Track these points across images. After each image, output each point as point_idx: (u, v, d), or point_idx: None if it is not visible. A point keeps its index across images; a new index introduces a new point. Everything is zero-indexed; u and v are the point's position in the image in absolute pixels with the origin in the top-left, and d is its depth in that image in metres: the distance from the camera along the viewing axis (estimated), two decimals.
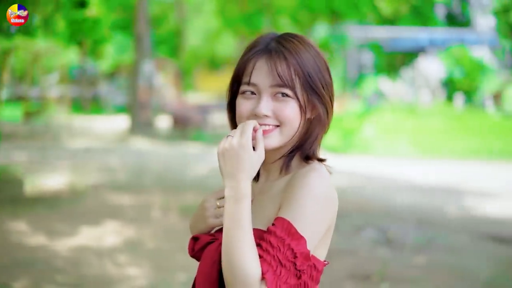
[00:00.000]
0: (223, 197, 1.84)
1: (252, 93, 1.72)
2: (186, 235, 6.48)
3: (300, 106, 1.70)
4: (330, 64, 1.79)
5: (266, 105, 1.68)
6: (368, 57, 36.34)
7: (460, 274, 6.08)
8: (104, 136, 17.67)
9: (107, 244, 6.64)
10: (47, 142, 15.94)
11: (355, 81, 30.93)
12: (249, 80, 1.69)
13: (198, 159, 13.77)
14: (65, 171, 11.48)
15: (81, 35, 22.49)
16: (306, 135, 1.76)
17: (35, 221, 7.55)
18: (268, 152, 1.73)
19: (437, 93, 27.16)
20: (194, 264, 5.88)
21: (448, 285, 5.78)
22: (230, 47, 34.61)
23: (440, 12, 44.58)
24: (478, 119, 22.38)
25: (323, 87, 1.72)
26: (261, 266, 1.58)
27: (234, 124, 1.84)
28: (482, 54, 29.26)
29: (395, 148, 16.10)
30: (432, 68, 27.50)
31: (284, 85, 1.67)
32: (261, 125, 1.69)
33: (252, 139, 1.66)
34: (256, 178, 1.85)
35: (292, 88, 1.67)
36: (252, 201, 1.75)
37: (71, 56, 26.26)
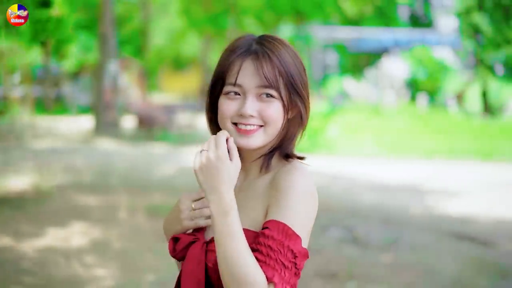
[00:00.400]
0: (198, 199, 1.86)
1: (236, 93, 1.74)
2: (153, 236, 6.48)
3: (284, 106, 1.74)
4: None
5: (251, 106, 1.71)
6: (332, 58, 36.58)
7: (426, 272, 6.19)
8: (68, 136, 17.52)
9: (74, 245, 6.61)
10: (10, 143, 15.75)
11: (320, 81, 31.08)
12: (235, 81, 1.71)
13: (164, 159, 13.74)
14: (30, 172, 11.36)
15: (44, 34, 22.26)
16: (286, 134, 1.80)
17: (0, 223, 7.48)
18: (248, 151, 1.77)
19: (401, 94, 27.46)
20: (162, 264, 5.86)
21: (414, 282, 5.87)
22: (195, 47, 34.56)
23: (403, 13, 45.06)
24: (441, 119, 22.69)
25: (302, 87, 1.76)
26: (265, 271, 1.61)
27: (214, 125, 1.85)
28: (445, 54, 29.65)
29: (360, 148, 16.25)
30: (396, 68, 27.78)
31: (269, 86, 1.70)
32: (246, 125, 1.71)
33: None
34: None
35: (277, 89, 1.70)
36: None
37: (34, 56, 25.97)
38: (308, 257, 1.68)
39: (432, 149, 16.34)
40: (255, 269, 1.60)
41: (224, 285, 1.64)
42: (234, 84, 1.72)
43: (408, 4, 42.67)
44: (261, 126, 1.74)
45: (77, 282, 5.41)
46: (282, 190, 1.70)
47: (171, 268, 5.91)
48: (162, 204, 8.86)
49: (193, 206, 1.88)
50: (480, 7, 28.07)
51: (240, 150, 1.79)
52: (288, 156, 1.83)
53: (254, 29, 28.21)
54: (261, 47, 1.73)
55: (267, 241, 1.64)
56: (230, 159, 1.67)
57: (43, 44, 23.95)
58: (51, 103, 26.39)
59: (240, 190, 1.84)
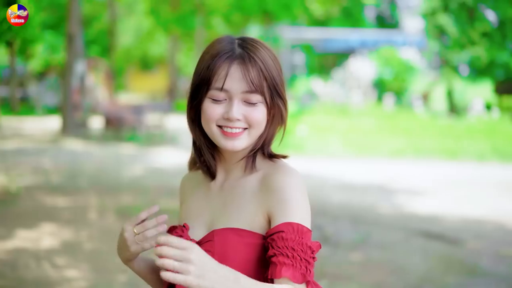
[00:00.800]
0: (139, 223, 1.89)
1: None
2: None
3: (267, 109, 1.78)
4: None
5: (237, 110, 1.73)
6: (300, 58, 36.73)
7: (395, 270, 6.28)
8: (35, 137, 17.36)
9: (44, 246, 6.57)
10: None
11: (288, 81, 31.15)
12: (222, 86, 1.73)
13: (132, 159, 13.70)
14: None
15: (10, 34, 22.00)
16: (267, 134, 1.85)
17: None
18: (231, 152, 1.82)
19: (368, 94, 27.68)
20: None
21: (384, 280, 5.96)
22: (163, 47, 34.46)
23: (370, 14, 45.42)
24: (407, 119, 22.91)
25: (282, 88, 1.81)
26: (295, 273, 1.65)
27: (197, 128, 1.87)
28: (411, 55, 29.95)
29: (328, 148, 16.36)
30: (362, 69, 27.99)
31: (255, 91, 1.73)
32: (232, 128, 1.75)
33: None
34: (212, 176, 1.92)
35: (262, 93, 1.74)
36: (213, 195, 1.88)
37: None
38: (320, 247, 1.74)
39: (399, 149, 16.52)
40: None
41: None
42: (221, 89, 1.74)
43: (375, 5, 43.03)
44: (245, 128, 1.77)
45: (48, 284, 5.39)
46: (282, 191, 1.74)
47: None
48: (131, 205, 8.85)
49: (135, 231, 1.89)
50: (446, 8, 28.40)
51: (223, 151, 1.85)
52: (272, 155, 1.88)
53: (222, 29, 28.24)
54: (246, 52, 1.75)
55: (288, 243, 1.67)
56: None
57: (9, 44, 23.66)
58: (17, 104, 26.11)
59: (222, 189, 1.88)
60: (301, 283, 1.67)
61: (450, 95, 27.71)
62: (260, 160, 1.88)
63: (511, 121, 23.51)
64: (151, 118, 18.75)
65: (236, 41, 1.80)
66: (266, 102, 1.76)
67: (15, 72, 26.53)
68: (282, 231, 1.69)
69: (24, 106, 26.77)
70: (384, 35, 35.26)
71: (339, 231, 7.67)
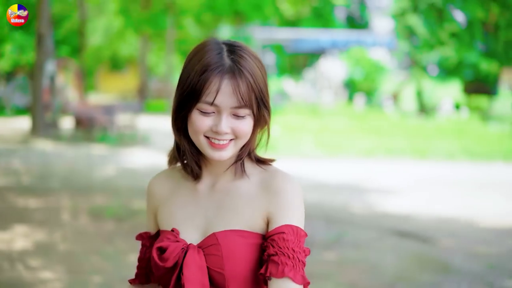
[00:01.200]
0: None
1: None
2: (98, 237, 6.45)
3: (254, 120, 1.81)
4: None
5: (226, 124, 1.76)
6: (271, 58, 36.82)
7: (369, 269, 6.34)
8: (5, 137, 17.16)
9: (17, 248, 6.51)
10: None
11: None
12: (213, 102, 1.73)
13: (104, 160, 13.62)
14: None
15: None
16: (253, 142, 1.88)
17: None
18: (219, 162, 1.86)
19: (339, 94, 27.82)
20: (109, 266, 5.83)
21: (358, 279, 6.00)
22: (133, 47, 34.26)
23: (340, 14, 45.65)
24: (377, 119, 23.09)
25: (268, 98, 1.83)
26: (296, 274, 1.72)
27: (183, 136, 1.88)
28: (381, 55, 30.17)
29: (300, 147, 16.41)
30: (333, 69, 28.12)
31: (244, 105, 1.75)
32: (219, 140, 1.77)
33: None
34: (196, 177, 1.92)
35: (250, 107, 1.76)
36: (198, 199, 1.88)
37: None
38: (310, 253, 1.81)
39: (370, 149, 16.64)
40: None
41: None
42: (211, 104, 1.74)
43: (345, 6, 43.26)
44: (232, 139, 1.80)
45: (23, 285, 5.34)
46: (283, 196, 1.81)
47: (118, 269, 5.91)
48: (104, 206, 8.80)
49: None
50: (415, 9, 28.68)
51: (211, 160, 1.88)
52: (259, 160, 1.93)
53: (193, 29, 28.18)
54: (235, 65, 1.75)
55: (289, 244, 1.74)
56: None
57: None
58: None
59: (213, 192, 1.89)
60: (301, 284, 1.72)
61: (419, 95, 27.98)
62: (249, 165, 1.92)
63: (480, 121, 23.82)
64: (122, 118, 18.62)
65: (224, 48, 1.79)
66: (254, 114, 1.79)
67: None
68: (283, 232, 1.76)
69: None
70: (355, 36, 35.45)
71: (313, 231, 7.70)
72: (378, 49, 31.09)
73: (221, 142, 1.78)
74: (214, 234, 1.80)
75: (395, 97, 29.24)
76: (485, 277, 6.18)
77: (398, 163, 14.88)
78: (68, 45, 30.15)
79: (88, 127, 17.91)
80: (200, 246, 1.81)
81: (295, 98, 27.05)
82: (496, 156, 16.24)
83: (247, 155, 1.91)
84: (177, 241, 1.83)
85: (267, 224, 1.81)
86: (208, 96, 1.74)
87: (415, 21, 28.34)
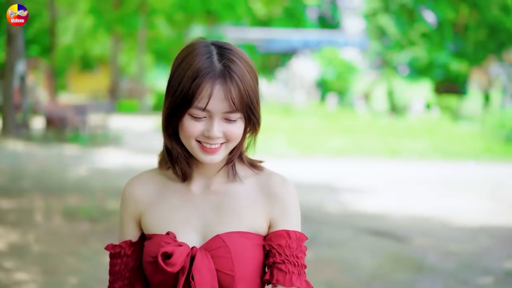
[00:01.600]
0: None
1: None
2: (73, 238, 6.40)
3: (245, 123, 1.82)
4: None
5: (218, 129, 1.76)
6: None
7: (345, 268, 6.38)
8: None
9: None
10: None
11: None
12: (205, 107, 1.73)
13: (76, 160, 13.51)
14: None
15: None
16: (242, 144, 1.90)
17: None
18: (211, 165, 1.87)
19: (311, 94, 27.91)
20: (84, 266, 5.79)
21: (334, 278, 6.03)
22: (104, 46, 34.04)
23: (312, 14, 45.79)
24: (349, 118, 23.22)
25: (258, 101, 1.84)
26: (301, 282, 1.82)
27: (174, 140, 1.87)
28: (352, 55, 30.34)
29: (272, 147, 16.43)
30: (305, 69, 28.21)
31: (235, 110, 1.76)
32: (211, 144, 1.78)
33: None
34: (185, 178, 1.91)
35: (242, 111, 1.77)
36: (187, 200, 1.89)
37: None
38: (305, 254, 1.88)
39: (342, 148, 16.73)
40: None
41: None
42: (204, 110, 1.75)
43: (317, 6, 43.43)
44: (223, 142, 1.81)
45: None
46: (285, 200, 1.88)
47: (93, 270, 5.87)
48: (78, 206, 8.73)
49: None
50: (386, 9, 28.88)
51: (202, 163, 1.88)
52: (250, 161, 1.97)
53: (165, 29, 28.08)
54: (226, 69, 1.75)
55: (293, 251, 1.83)
56: None
57: None
58: None
59: (208, 193, 1.90)
60: None
61: (390, 95, 28.21)
62: (240, 167, 1.94)
63: (450, 120, 24.07)
64: (94, 118, 18.51)
65: (214, 51, 1.79)
66: (244, 117, 1.80)
67: None
68: (288, 238, 1.84)
69: None
70: (326, 36, 35.62)
71: None
72: (350, 49, 31.27)
73: (213, 146, 1.79)
74: (218, 236, 1.81)
75: (367, 97, 29.43)
76: (459, 275, 6.26)
77: (370, 163, 14.99)
78: (38, 44, 29.89)
79: (59, 127, 17.76)
80: (204, 248, 1.81)
81: (267, 98, 27.08)
82: (467, 155, 16.44)
83: (238, 157, 1.93)
84: (180, 245, 1.80)
85: (269, 226, 1.88)
86: (200, 102, 1.74)
87: (386, 22, 28.56)
